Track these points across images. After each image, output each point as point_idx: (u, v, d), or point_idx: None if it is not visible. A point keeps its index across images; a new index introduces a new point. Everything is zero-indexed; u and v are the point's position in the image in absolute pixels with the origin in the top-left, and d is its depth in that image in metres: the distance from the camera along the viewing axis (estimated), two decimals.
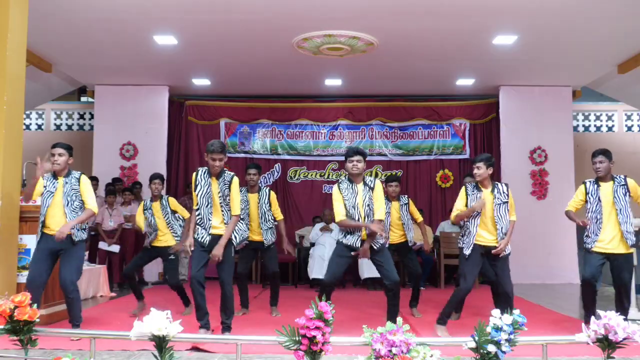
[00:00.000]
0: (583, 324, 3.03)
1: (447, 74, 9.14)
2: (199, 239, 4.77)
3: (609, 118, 11.36)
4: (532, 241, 9.14)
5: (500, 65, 8.61)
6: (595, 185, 5.03)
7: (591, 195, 5.01)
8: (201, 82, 9.58)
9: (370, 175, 10.15)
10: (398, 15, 6.61)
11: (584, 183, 5.10)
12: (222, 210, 4.77)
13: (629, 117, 11.36)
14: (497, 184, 5.03)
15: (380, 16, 6.64)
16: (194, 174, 4.86)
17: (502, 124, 9.76)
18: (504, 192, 4.95)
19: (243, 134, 10.36)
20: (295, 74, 9.11)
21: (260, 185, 6.13)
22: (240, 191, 5.90)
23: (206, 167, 4.82)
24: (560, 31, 7.12)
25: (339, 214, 4.78)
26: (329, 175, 10.30)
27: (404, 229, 6.10)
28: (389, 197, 6.00)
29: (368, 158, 10.10)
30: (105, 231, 8.40)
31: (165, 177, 9.71)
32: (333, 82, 9.63)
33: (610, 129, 11.33)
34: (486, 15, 6.61)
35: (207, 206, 4.75)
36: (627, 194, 4.94)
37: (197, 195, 4.77)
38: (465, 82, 9.56)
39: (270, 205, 6.01)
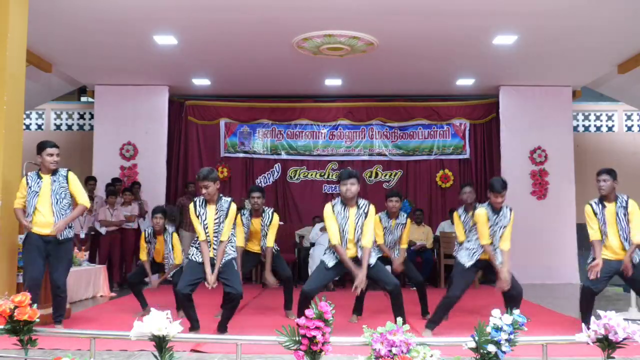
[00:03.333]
0: (583, 324, 3.03)
1: (447, 74, 9.14)
2: (194, 258, 4.78)
3: (609, 118, 11.36)
4: (532, 241, 9.14)
5: (500, 65, 8.61)
6: (601, 206, 5.02)
7: (599, 216, 5.00)
8: (201, 82, 9.59)
9: (371, 176, 10.21)
10: (398, 15, 6.61)
11: (590, 205, 5.05)
12: (215, 237, 4.74)
13: (629, 117, 11.36)
14: (504, 208, 4.98)
15: (380, 16, 6.64)
16: (192, 206, 4.81)
17: (502, 124, 9.76)
18: (506, 217, 4.94)
19: (243, 134, 10.36)
20: (295, 74, 9.11)
21: (263, 207, 5.90)
22: (243, 214, 5.85)
23: (202, 197, 4.80)
24: (560, 31, 7.12)
25: (334, 236, 4.71)
26: (329, 175, 10.30)
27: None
28: (389, 214, 5.90)
29: (368, 158, 10.27)
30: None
31: (165, 182, 9.74)
32: (333, 82, 9.63)
33: (610, 129, 11.33)
34: (486, 15, 6.61)
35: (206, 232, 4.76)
36: (626, 215, 4.95)
37: (199, 225, 4.74)
38: (465, 82, 9.56)
39: (269, 227, 5.82)
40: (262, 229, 5.84)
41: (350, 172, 4.79)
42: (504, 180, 4.93)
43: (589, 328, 2.91)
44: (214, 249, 4.73)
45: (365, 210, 4.78)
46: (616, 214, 4.94)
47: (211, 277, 4.64)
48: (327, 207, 4.83)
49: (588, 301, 4.98)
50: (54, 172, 4.83)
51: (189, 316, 4.82)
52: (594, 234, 5.01)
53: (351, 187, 4.70)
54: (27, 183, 4.82)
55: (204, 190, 4.70)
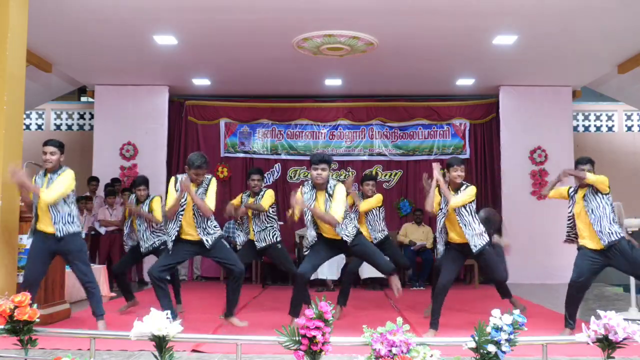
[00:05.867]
0: (583, 324, 3.03)
1: (447, 74, 9.14)
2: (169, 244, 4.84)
3: (609, 118, 11.36)
4: (532, 241, 9.14)
5: (500, 65, 8.61)
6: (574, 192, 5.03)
7: (571, 196, 5.02)
8: (201, 82, 9.58)
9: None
10: (398, 15, 6.61)
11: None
12: (195, 217, 4.74)
13: (629, 117, 11.36)
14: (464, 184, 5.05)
15: (380, 16, 6.64)
16: (172, 180, 4.85)
17: (502, 124, 9.75)
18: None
19: (243, 134, 10.35)
20: (295, 74, 9.11)
21: (262, 189, 6.01)
22: (245, 193, 6.00)
23: (185, 174, 4.79)
24: (560, 31, 7.12)
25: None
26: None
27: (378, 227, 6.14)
28: (364, 197, 6.05)
29: (368, 158, 10.26)
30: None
31: (165, 182, 9.70)
32: (333, 82, 9.63)
33: (610, 129, 11.33)
34: (486, 15, 6.61)
35: (181, 212, 4.76)
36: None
37: (174, 199, 4.75)
38: (465, 82, 9.56)
39: (261, 200, 5.88)
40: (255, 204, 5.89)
41: (321, 157, 4.79)
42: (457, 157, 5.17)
43: (588, 327, 2.91)
44: (197, 228, 4.75)
45: (331, 192, 4.79)
46: (585, 196, 4.86)
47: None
48: (298, 193, 4.90)
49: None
50: (53, 172, 4.77)
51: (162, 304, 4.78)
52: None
53: (322, 172, 4.73)
54: (35, 181, 4.79)
55: (194, 176, 4.71)
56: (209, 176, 4.89)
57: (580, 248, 4.92)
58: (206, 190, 4.77)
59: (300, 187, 4.93)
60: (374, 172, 10.17)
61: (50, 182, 4.73)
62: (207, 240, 4.78)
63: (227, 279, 5.09)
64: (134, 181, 6.25)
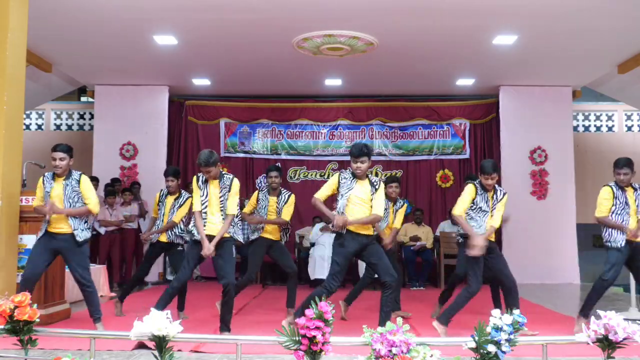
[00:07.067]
0: (583, 324, 3.03)
1: (447, 74, 9.14)
2: (195, 238, 4.83)
3: (609, 118, 11.36)
4: (532, 241, 9.14)
5: (500, 65, 8.61)
6: (621, 190, 5.05)
7: (618, 199, 5.02)
8: (201, 82, 9.58)
9: (371, 175, 10.19)
10: (398, 15, 6.61)
11: (609, 187, 5.06)
12: (222, 213, 4.81)
13: (629, 117, 11.37)
14: (498, 189, 5.03)
15: (380, 16, 6.64)
16: (195, 178, 4.89)
17: (502, 124, 9.76)
18: (499, 198, 4.99)
19: (243, 134, 10.36)
20: (295, 74, 9.11)
21: (280, 188, 5.99)
22: (262, 190, 5.99)
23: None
24: (560, 31, 7.12)
25: (319, 193, 4.75)
26: (329, 175, 10.29)
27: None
28: (388, 198, 5.96)
29: None
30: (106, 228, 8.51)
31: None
32: (333, 82, 9.63)
33: (610, 129, 11.34)
34: (486, 15, 6.61)
35: (205, 208, 4.81)
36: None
37: (199, 197, 4.81)
38: (465, 82, 9.56)
39: (285, 205, 5.89)
40: (277, 208, 5.87)
41: (361, 149, 4.67)
42: (494, 162, 4.97)
43: (588, 327, 2.91)
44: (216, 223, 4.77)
45: (376, 187, 4.75)
46: (636, 199, 5.01)
47: (208, 246, 4.68)
48: (336, 175, 4.81)
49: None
50: (67, 176, 4.77)
51: (159, 305, 4.75)
52: (604, 209, 5.03)
53: (362, 165, 4.67)
54: (43, 183, 4.79)
55: (206, 175, 4.77)
56: (231, 176, 4.92)
57: (618, 249, 5.00)
58: (229, 189, 4.82)
59: (339, 173, 4.81)
60: (374, 172, 10.18)
61: (66, 187, 4.74)
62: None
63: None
64: (165, 173, 6.02)
